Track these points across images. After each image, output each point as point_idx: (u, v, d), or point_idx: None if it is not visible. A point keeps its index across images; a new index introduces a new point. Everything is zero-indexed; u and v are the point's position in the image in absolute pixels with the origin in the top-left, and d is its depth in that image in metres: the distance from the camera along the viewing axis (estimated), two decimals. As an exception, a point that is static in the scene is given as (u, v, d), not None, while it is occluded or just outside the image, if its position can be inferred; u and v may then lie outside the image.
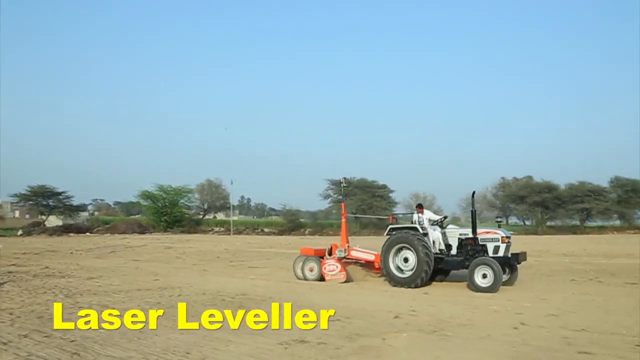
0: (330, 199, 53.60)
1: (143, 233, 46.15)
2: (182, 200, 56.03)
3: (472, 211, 11.76)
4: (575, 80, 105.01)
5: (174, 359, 5.29)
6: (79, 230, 45.80)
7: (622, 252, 21.92)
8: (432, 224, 12.11)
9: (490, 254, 10.99)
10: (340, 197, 50.60)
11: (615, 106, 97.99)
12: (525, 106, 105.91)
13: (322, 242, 34.95)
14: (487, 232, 11.28)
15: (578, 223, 55.82)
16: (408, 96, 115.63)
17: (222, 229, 53.51)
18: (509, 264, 11.18)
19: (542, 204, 57.27)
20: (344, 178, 14.17)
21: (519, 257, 11.18)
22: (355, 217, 47.68)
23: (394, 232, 11.77)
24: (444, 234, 11.88)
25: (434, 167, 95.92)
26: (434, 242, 11.54)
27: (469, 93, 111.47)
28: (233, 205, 60.20)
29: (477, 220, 11.57)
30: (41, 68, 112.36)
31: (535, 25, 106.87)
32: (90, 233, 45.28)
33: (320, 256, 12.82)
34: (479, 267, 10.56)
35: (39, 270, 14.59)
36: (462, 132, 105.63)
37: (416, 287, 10.94)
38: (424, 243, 11.14)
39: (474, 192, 13.27)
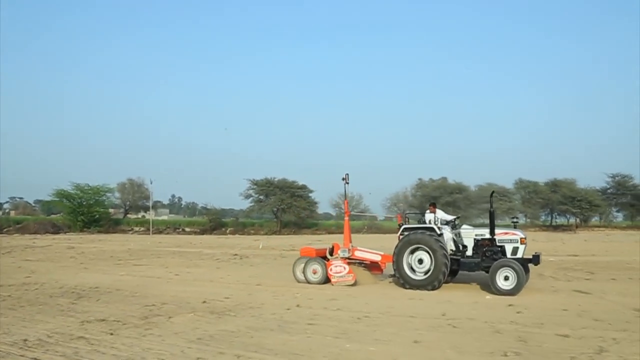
0: (251, 198, 54.79)
1: (57, 233, 45.63)
2: (103, 199, 55.47)
3: (490, 211, 11.41)
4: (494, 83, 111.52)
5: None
6: (-13, 230, 44.69)
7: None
8: (445, 224, 11.91)
9: (509, 255, 10.74)
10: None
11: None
12: (447, 109, 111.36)
13: (244, 241, 36.31)
14: (506, 233, 11.02)
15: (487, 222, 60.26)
16: (332, 97, 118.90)
17: (142, 228, 53.52)
18: (527, 265, 10.78)
19: (453, 204, 61.18)
20: (347, 174, 12.66)
21: (538, 259, 10.85)
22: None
23: (407, 233, 11.36)
24: (458, 235, 11.63)
25: (359, 167, 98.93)
26: (446, 242, 11.16)
27: (392, 95, 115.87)
28: (153, 205, 60.20)
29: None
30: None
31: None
32: (-1, 233, 44.31)
33: (322, 257, 12.16)
34: (501, 269, 10.20)
35: None
36: (388, 133, 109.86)
37: (433, 289, 10.58)
38: (441, 244, 10.76)
39: (492, 192, 12.58)
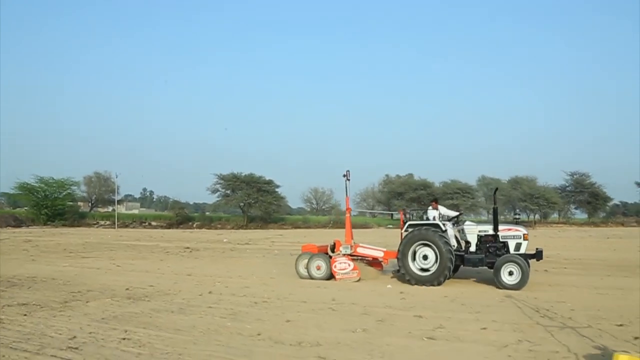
0: (218, 193, 55.43)
1: (19, 226, 45.59)
2: (69, 193, 55.40)
3: (494, 208, 11.77)
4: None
5: None
6: (-59, 224, 44.35)
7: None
8: (448, 220, 12.13)
9: (512, 251, 11.03)
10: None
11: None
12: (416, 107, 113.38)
13: (206, 235, 36.91)
14: (509, 229, 11.26)
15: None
16: (305, 94, 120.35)
17: (108, 222, 53.73)
18: (528, 261, 10.98)
19: (418, 200, 62.76)
20: (348, 171, 12.59)
21: (541, 255, 11.22)
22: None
23: (411, 229, 11.50)
24: (461, 231, 11.79)
25: (327, 164, 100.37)
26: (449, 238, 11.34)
27: (360, 93, 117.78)
28: (123, 198, 60.53)
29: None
30: None
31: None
32: (-44, 227, 44.02)
33: (326, 253, 12.25)
34: (506, 264, 10.51)
35: None
36: (359, 129, 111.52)
37: (438, 284, 10.79)
38: (446, 240, 10.98)
39: (496, 189, 12.76)
